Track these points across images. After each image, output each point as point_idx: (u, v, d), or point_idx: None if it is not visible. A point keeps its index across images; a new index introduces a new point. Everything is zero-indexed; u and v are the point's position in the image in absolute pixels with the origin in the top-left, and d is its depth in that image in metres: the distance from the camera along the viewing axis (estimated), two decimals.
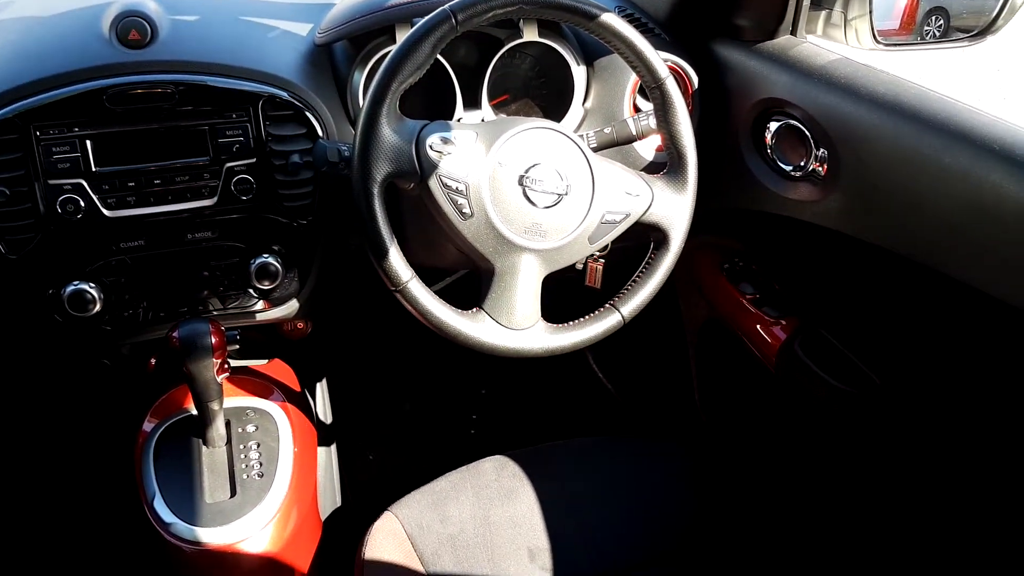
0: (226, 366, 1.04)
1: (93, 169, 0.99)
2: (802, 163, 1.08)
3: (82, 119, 0.97)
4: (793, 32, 1.14)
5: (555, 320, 0.97)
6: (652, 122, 1.02)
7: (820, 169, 1.05)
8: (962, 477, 1.07)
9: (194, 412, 1.08)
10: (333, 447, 1.41)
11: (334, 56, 1.12)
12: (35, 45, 1.02)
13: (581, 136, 1.02)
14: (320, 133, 1.04)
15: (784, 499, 1.06)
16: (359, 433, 1.69)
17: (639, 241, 1.02)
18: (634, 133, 1.05)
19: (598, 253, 1.04)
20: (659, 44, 1.18)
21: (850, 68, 1.03)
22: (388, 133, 0.88)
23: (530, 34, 1.14)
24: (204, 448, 1.09)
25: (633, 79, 1.16)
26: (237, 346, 1.07)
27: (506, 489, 1.06)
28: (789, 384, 1.24)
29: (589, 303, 1.02)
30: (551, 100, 1.20)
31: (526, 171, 0.93)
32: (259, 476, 1.07)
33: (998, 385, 1.01)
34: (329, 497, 1.31)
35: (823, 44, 1.13)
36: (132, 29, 0.99)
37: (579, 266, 1.02)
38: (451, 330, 0.91)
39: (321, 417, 1.43)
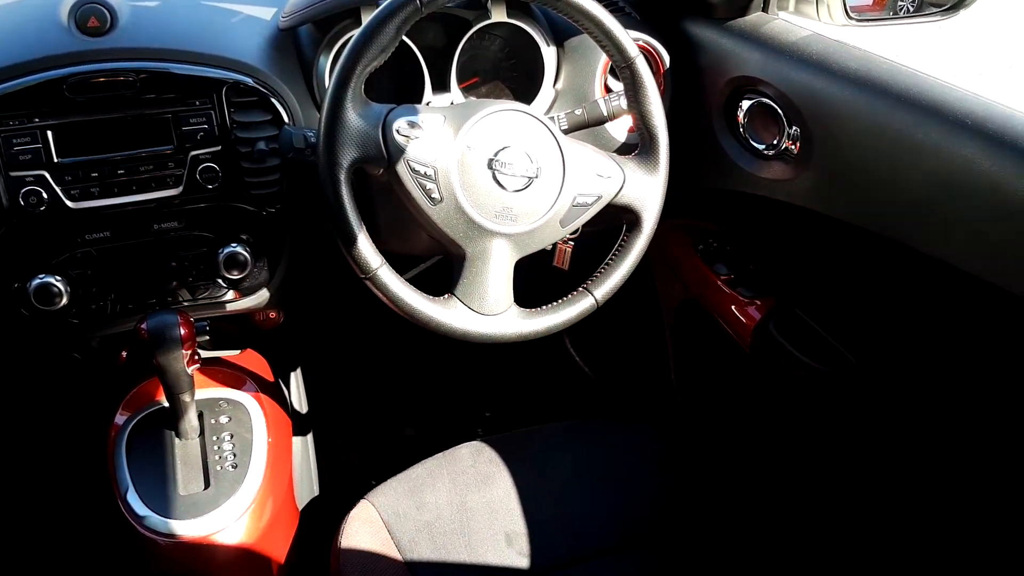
0: (197, 357, 1.03)
1: (55, 160, 0.97)
2: (775, 141, 1.08)
3: (42, 109, 0.95)
4: (765, 9, 1.13)
5: (528, 305, 0.97)
6: (623, 103, 1.01)
7: (793, 147, 1.05)
8: (938, 455, 1.07)
9: (166, 404, 1.07)
10: (309, 436, 1.40)
11: (299, 40, 1.10)
12: None
13: (552, 118, 1.01)
14: (286, 119, 1.02)
15: (760, 480, 1.07)
16: (336, 422, 1.68)
17: (611, 224, 1.01)
18: (605, 114, 1.04)
19: (568, 236, 1.03)
20: (629, 23, 1.17)
21: (822, 44, 1.02)
22: (353, 118, 0.87)
23: (498, 15, 1.13)
24: (177, 440, 1.08)
25: (604, 59, 1.15)
26: (207, 337, 1.05)
27: (483, 475, 1.06)
28: (764, 364, 1.24)
29: (562, 287, 1.01)
30: (521, 82, 1.19)
31: (495, 154, 0.91)
32: (233, 467, 1.06)
33: (973, 361, 1.01)
34: (306, 487, 1.30)
35: (795, 20, 1.12)
36: (91, 16, 0.97)
37: (548, 247, 1.01)
38: (423, 317, 0.90)
39: (296, 407, 1.42)
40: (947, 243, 0.87)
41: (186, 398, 1.04)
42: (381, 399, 1.80)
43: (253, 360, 1.26)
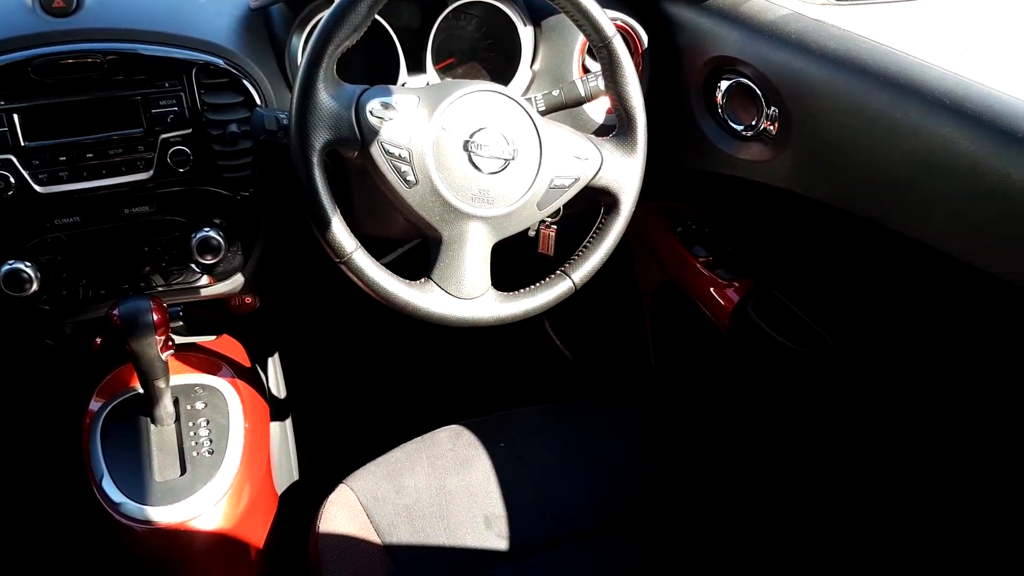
0: (171, 343, 1.01)
1: (22, 144, 0.95)
2: (753, 122, 1.07)
3: (7, 92, 0.93)
4: None
5: (507, 288, 0.96)
6: (601, 83, 1.00)
7: (771, 128, 1.05)
8: (916, 434, 1.08)
9: (141, 391, 1.06)
10: (288, 422, 1.39)
11: (271, 20, 1.08)
12: None
13: (528, 99, 1.00)
14: (258, 101, 1.01)
15: (739, 461, 1.07)
16: (314, 407, 1.67)
17: (590, 206, 1.01)
18: (583, 95, 1.03)
19: (550, 219, 1.03)
20: (606, 2, 1.15)
21: (800, 24, 1.01)
22: (325, 99, 0.85)
23: None
24: (152, 427, 1.07)
25: (581, 39, 1.14)
26: (181, 322, 1.04)
27: (461, 458, 1.06)
28: (742, 346, 1.24)
29: (541, 270, 1.00)
30: (498, 63, 1.18)
31: (471, 136, 0.90)
32: (209, 453, 1.05)
33: (951, 342, 1.02)
34: (285, 472, 1.30)
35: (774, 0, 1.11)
36: None
37: (531, 233, 1.01)
38: (399, 301, 0.90)
39: (274, 392, 1.41)
40: (925, 223, 0.88)
41: (161, 384, 1.03)
42: (359, 384, 1.79)
43: (229, 345, 1.25)
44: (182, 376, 1.13)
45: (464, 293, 0.92)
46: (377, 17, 0.86)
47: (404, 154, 0.88)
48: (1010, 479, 0.98)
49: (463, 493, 1.02)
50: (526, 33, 1.14)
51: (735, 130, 1.10)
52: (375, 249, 0.91)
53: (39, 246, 1.01)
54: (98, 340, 1.23)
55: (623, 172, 0.98)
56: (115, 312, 0.96)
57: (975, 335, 0.98)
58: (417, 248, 1.32)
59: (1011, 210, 0.78)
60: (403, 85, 1.10)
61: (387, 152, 0.87)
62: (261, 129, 0.92)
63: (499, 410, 1.15)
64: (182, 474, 1.03)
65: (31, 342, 1.30)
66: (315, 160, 0.85)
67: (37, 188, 0.96)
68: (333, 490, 1.03)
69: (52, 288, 1.03)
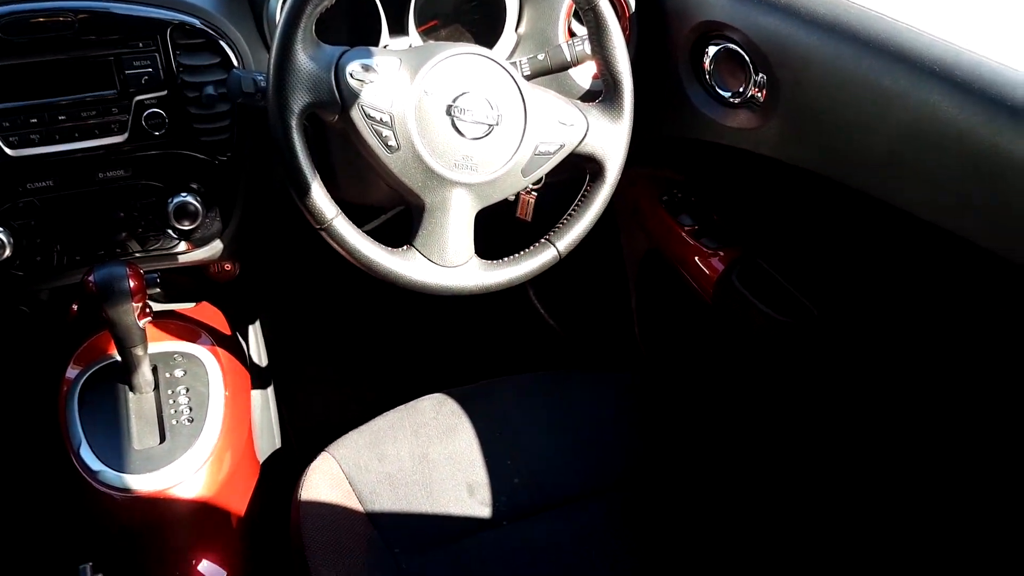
0: (148, 310, 1.00)
1: None
2: (741, 89, 1.06)
3: None
4: None
5: (490, 257, 0.95)
6: (587, 47, 0.98)
7: (759, 95, 1.03)
8: (900, 405, 1.09)
9: (119, 358, 1.04)
10: (270, 390, 1.38)
11: None
12: None
13: (514, 63, 0.98)
14: (235, 62, 0.98)
15: (723, 430, 1.08)
16: (296, 375, 1.66)
17: (575, 174, 0.99)
18: (568, 59, 1.01)
19: (532, 186, 1.01)
20: None
21: None
22: (304, 60, 0.83)
23: None
24: (131, 394, 1.06)
25: (567, 2, 1.11)
26: (158, 289, 1.02)
27: (445, 427, 1.06)
28: (727, 315, 1.24)
29: (525, 238, 0.99)
30: (483, 25, 1.15)
31: (454, 100, 0.88)
32: (189, 421, 1.04)
33: (936, 313, 1.02)
34: (267, 440, 1.29)
35: None
36: None
37: (511, 198, 0.99)
38: (381, 269, 0.88)
39: (255, 360, 1.40)
40: (912, 193, 0.87)
41: (138, 352, 1.01)
42: (342, 352, 1.78)
43: (208, 313, 1.23)
44: (161, 344, 1.12)
45: (447, 261, 0.91)
46: None
47: (385, 118, 0.86)
48: (994, 447, 0.99)
49: (446, 461, 1.02)
50: None
51: (722, 97, 1.09)
52: (357, 217, 0.89)
53: (11, 211, 0.98)
54: (74, 307, 1.22)
55: (609, 139, 0.96)
56: (90, 279, 0.94)
57: (961, 306, 0.99)
58: (400, 215, 1.30)
59: (999, 180, 0.77)
60: (385, 47, 1.07)
61: (368, 116, 0.85)
62: (238, 91, 0.90)
63: (483, 379, 1.14)
64: (161, 442, 1.02)
65: (5, 309, 1.28)
66: (294, 124, 0.83)
67: (8, 151, 0.94)
68: (315, 458, 1.02)
69: (26, 254, 1.01)
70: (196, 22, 0.96)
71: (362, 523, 0.96)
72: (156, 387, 1.07)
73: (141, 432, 1.02)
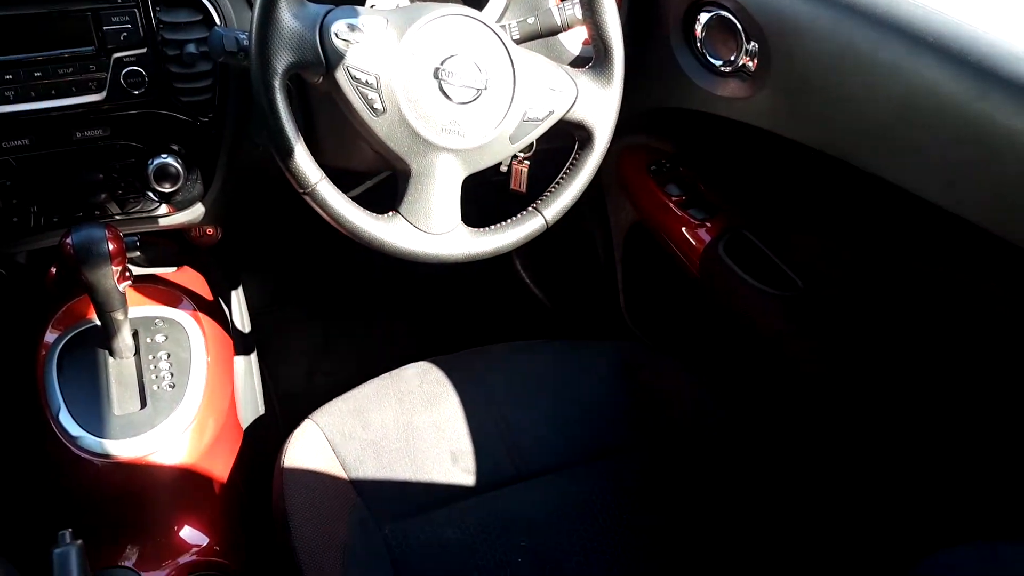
0: (128, 274, 0.98)
1: None
2: (732, 58, 1.04)
3: None
4: None
5: (477, 225, 0.94)
6: (578, 11, 0.97)
7: (750, 64, 1.02)
8: (887, 375, 1.09)
9: (98, 323, 1.03)
10: (253, 356, 1.37)
11: None
12: None
13: (503, 27, 0.96)
14: (217, 20, 0.95)
15: (707, 401, 1.08)
16: (280, 341, 1.65)
17: (563, 141, 0.98)
18: (559, 24, 0.99)
19: (522, 154, 1.00)
20: None
21: None
22: (288, 18, 0.81)
23: None
24: (111, 359, 1.04)
25: None
26: (138, 252, 1.00)
27: (429, 395, 1.05)
28: (712, 286, 1.24)
29: (513, 207, 0.98)
30: None
31: (442, 63, 0.86)
32: (171, 387, 1.03)
33: (926, 288, 1.02)
34: (250, 406, 1.28)
35: None
36: None
37: (504, 168, 0.98)
38: (365, 235, 0.87)
39: (238, 326, 1.39)
40: (904, 167, 0.86)
41: (118, 316, 1.00)
42: (326, 318, 1.77)
43: (190, 277, 1.21)
44: (141, 308, 1.10)
45: (433, 228, 0.90)
46: None
47: (371, 80, 0.84)
48: (982, 422, 1.00)
49: (430, 429, 1.02)
50: None
51: (713, 65, 1.08)
52: (342, 182, 0.87)
53: None
54: (53, 270, 1.19)
55: (598, 106, 0.95)
56: (68, 241, 0.92)
57: (952, 282, 0.98)
58: (386, 181, 1.28)
59: (992, 154, 0.77)
60: (371, 7, 1.05)
61: (353, 78, 0.84)
62: (220, 50, 0.88)
63: (469, 348, 1.14)
64: (142, 408, 1.01)
65: None
66: (277, 84, 0.81)
67: None
68: (299, 425, 1.01)
69: (1, 215, 0.99)
70: None
71: (346, 490, 0.96)
72: (137, 352, 1.06)
73: (121, 397, 1.01)
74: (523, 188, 1.10)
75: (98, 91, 0.95)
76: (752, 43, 1.00)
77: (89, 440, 0.97)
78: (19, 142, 0.96)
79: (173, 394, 1.02)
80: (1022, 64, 0.76)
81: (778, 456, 1.14)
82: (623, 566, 0.94)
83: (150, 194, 1.04)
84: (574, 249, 1.65)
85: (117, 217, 1.05)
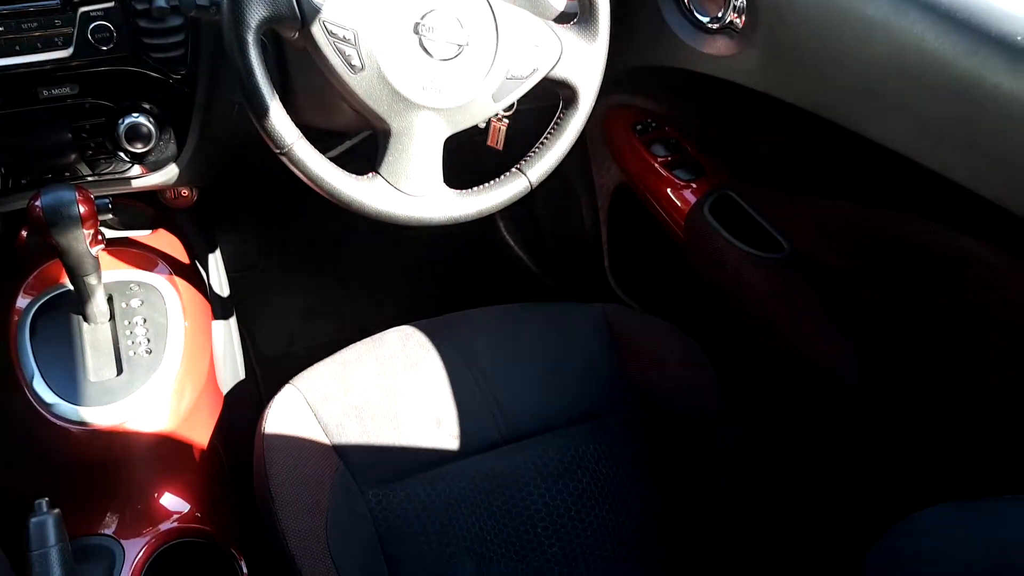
0: (101, 237, 0.95)
1: None
2: (719, 14, 1.02)
3: None
4: None
5: (459, 186, 0.92)
6: None
7: (738, 20, 1.00)
8: (872, 336, 1.09)
9: (71, 288, 1.00)
10: (232, 320, 1.35)
11: None
12: None
13: None
14: None
15: (691, 361, 1.07)
16: (259, 305, 1.63)
17: (548, 101, 0.96)
18: None
19: (503, 112, 0.98)
20: None
21: None
22: None
23: None
24: (85, 325, 1.02)
25: None
26: (111, 215, 0.98)
27: (412, 359, 1.04)
28: (698, 248, 1.23)
29: (495, 168, 0.96)
30: None
31: (422, 18, 0.84)
32: (147, 352, 1.01)
33: (912, 250, 1.01)
34: (230, 371, 1.27)
35: None
36: None
37: (481, 125, 0.96)
38: (344, 196, 0.85)
39: (216, 289, 1.36)
40: (892, 126, 0.85)
41: (92, 280, 0.97)
42: (306, 282, 1.75)
43: (166, 241, 1.19)
44: (115, 272, 1.08)
45: (413, 189, 0.88)
46: None
47: (348, 36, 0.81)
48: (966, 386, 1.01)
49: (413, 393, 1.01)
50: None
51: (700, 22, 1.05)
52: (321, 143, 0.85)
53: None
54: (23, 233, 1.16)
55: (583, 63, 0.93)
56: (36, 203, 0.89)
57: (939, 245, 0.98)
58: (365, 141, 1.26)
59: (981, 113, 0.76)
60: None
61: (330, 33, 0.81)
62: (191, 4, 0.84)
63: (452, 312, 1.12)
64: (118, 374, 0.99)
65: None
66: (251, 40, 0.78)
67: None
68: (280, 390, 1.00)
69: None
70: None
71: (328, 455, 0.95)
72: (112, 317, 1.03)
73: (97, 364, 0.99)
74: (500, 146, 1.08)
75: (65, 47, 0.91)
76: None
77: (64, 407, 0.95)
78: None
79: (150, 360, 1.00)
80: (1010, 20, 0.75)
81: (764, 416, 1.15)
82: (609, 528, 0.94)
83: (122, 155, 1.00)
84: (559, 211, 1.63)
85: (88, 179, 1.02)
